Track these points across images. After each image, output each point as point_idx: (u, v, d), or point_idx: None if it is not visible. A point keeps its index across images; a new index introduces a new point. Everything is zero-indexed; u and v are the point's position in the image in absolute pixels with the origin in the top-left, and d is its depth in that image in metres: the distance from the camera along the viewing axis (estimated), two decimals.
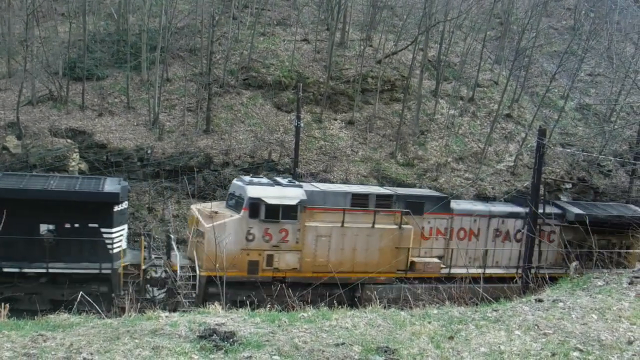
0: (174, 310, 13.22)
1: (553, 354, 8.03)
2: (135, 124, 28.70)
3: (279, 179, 19.85)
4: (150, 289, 17.54)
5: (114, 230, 16.90)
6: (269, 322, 9.28)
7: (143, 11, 32.78)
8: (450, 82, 36.98)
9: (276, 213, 17.76)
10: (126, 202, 17.91)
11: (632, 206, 27.02)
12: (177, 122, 29.36)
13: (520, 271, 19.94)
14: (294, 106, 29.64)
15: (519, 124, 35.69)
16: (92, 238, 16.57)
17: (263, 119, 30.95)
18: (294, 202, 17.98)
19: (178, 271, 17.17)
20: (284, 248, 18.02)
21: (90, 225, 16.62)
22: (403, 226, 19.22)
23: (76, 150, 26.10)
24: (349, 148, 30.66)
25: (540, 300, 11.86)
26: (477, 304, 12.18)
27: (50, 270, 16.22)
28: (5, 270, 16.00)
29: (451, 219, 20.47)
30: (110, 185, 17.24)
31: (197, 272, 17.18)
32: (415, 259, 19.59)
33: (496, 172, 31.75)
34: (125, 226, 17.89)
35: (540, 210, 21.35)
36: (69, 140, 26.27)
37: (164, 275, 17.52)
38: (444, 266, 19.84)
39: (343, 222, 18.51)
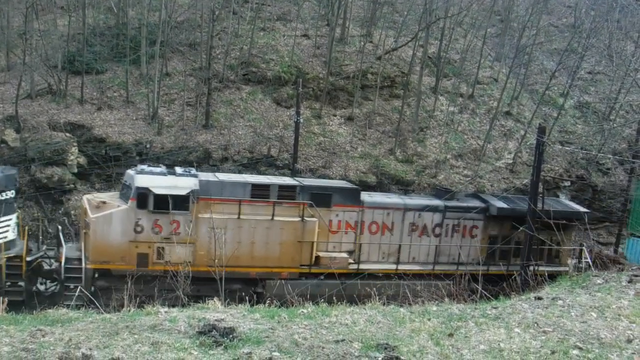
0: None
1: (553, 352, 8.04)
2: (134, 118, 28.61)
3: (178, 168, 18.79)
4: (44, 281, 16.99)
5: None
6: (268, 318, 9.29)
7: (143, 5, 32.64)
8: (450, 79, 36.93)
9: (166, 203, 16.84)
10: (13, 191, 16.81)
11: (565, 201, 26.07)
12: (176, 117, 29.28)
13: (433, 267, 19.61)
14: (294, 102, 29.55)
15: (518, 121, 35.68)
16: None
17: (262, 114, 30.88)
18: (184, 192, 17.07)
19: (62, 263, 16.49)
20: (176, 240, 17.04)
21: None
22: (306, 219, 18.27)
23: (75, 144, 26.01)
24: (349, 144, 30.61)
25: (539, 298, 11.90)
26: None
27: None
28: None
29: (362, 212, 19.55)
30: None
31: (83, 264, 16.43)
32: (321, 254, 18.74)
33: (495, 170, 31.72)
34: (13, 216, 16.85)
35: (457, 203, 20.89)
36: (67, 134, 26.18)
37: (54, 267, 16.92)
38: (352, 261, 19.18)
39: (239, 213, 17.64)
